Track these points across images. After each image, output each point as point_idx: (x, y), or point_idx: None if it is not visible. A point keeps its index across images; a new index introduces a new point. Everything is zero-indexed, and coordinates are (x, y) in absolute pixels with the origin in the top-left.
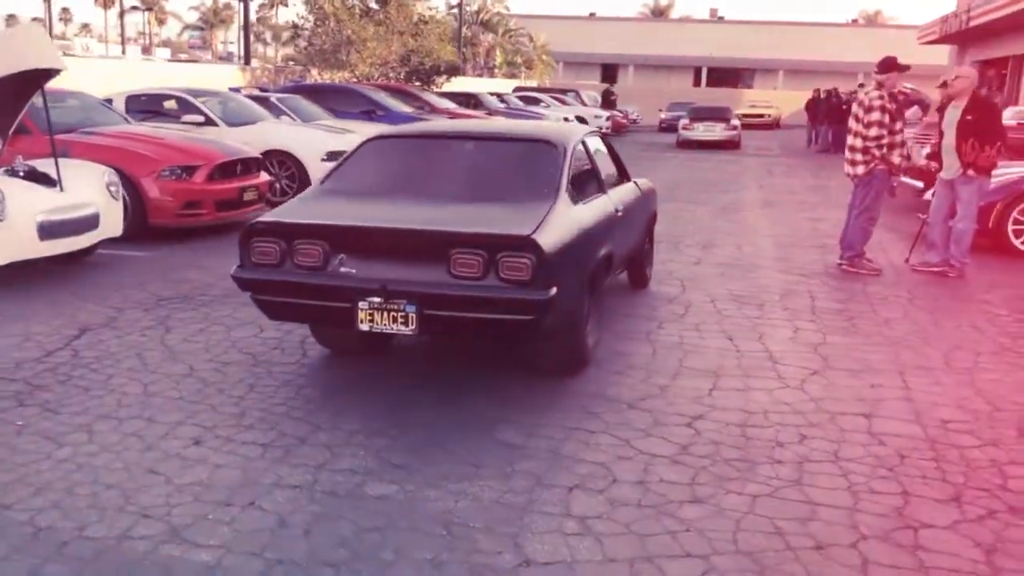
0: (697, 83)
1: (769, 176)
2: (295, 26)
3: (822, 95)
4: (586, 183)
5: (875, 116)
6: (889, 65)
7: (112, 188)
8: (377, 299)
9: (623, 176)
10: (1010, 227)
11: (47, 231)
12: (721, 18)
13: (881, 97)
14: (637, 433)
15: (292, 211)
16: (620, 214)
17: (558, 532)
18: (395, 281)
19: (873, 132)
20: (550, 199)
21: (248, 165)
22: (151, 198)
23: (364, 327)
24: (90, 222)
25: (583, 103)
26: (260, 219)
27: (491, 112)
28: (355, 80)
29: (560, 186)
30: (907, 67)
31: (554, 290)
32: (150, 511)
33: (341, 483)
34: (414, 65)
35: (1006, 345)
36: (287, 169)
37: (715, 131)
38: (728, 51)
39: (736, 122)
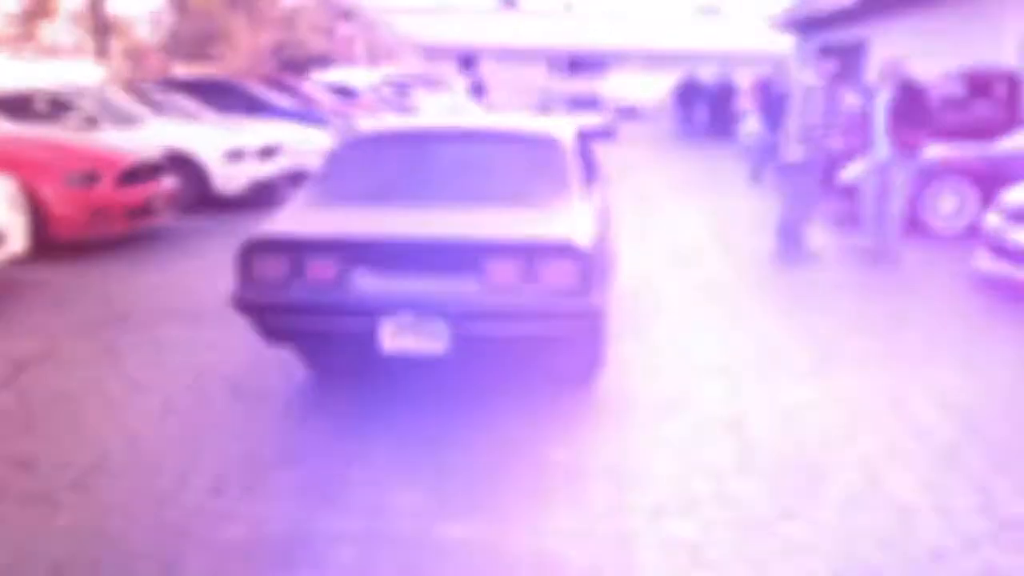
0: (555, 71)
1: (663, 162)
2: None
3: (687, 82)
4: (585, 179)
5: (818, 100)
6: (829, 53)
7: (14, 200)
8: (406, 317)
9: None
10: (924, 207)
11: None
12: (571, 7)
13: (824, 82)
14: (687, 442)
15: (295, 222)
16: (611, 209)
17: (672, 565)
18: (424, 296)
19: (816, 117)
20: (567, 198)
21: (154, 168)
22: (53, 209)
23: (389, 348)
24: None
25: (453, 92)
26: (261, 233)
27: (374, 104)
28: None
29: (573, 184)
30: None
31: (600, 295)
32: None
33: (407, 527)
34: (287, 56)
35: (979, 326)
36: (184, 171)
37: (594, 120)
38: (582, 40)
39: (612, 111)
